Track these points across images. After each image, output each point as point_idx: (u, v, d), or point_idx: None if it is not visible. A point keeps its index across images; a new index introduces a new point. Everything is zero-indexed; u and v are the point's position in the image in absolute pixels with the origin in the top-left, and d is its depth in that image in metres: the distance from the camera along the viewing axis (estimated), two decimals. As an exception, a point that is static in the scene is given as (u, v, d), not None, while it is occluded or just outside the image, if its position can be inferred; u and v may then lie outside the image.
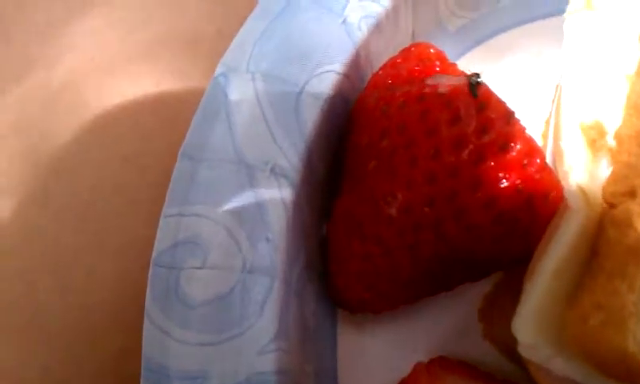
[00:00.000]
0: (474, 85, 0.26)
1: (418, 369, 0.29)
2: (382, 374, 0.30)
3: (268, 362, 0.25)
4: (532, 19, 0.38)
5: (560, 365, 0.26)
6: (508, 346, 0.28)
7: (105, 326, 0.31)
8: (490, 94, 0.26)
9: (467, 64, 0.37)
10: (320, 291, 0.30)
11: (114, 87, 0.34)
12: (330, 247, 0.30)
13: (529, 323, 0.26)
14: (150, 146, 0.33)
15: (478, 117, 0.26)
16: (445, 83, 0.27)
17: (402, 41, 0.33)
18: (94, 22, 0.36)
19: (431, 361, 0.30)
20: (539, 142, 0.34)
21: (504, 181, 0.26)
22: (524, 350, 0.26)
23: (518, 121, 0.26)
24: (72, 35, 0.36)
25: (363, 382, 0.31)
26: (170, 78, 0.33)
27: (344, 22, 0.30)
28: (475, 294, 0.32)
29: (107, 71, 0.35)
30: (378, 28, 0.31)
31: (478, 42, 0.37)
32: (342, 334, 0.31)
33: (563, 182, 0.27)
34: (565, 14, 0.32)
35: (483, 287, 0.32)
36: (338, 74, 0.29)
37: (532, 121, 0.34)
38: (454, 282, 0.30)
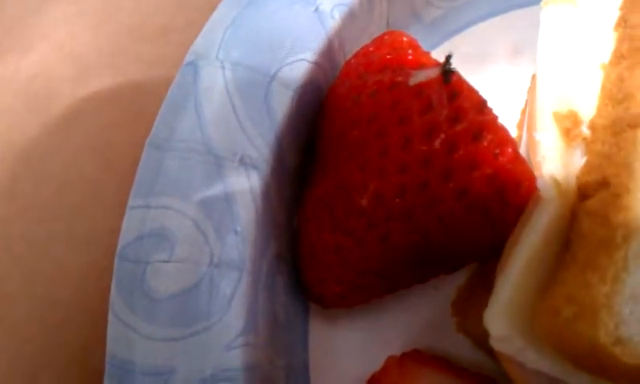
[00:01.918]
0: (446, 73, 0.25)
1: (389, 362, 0.29)
2: (355, 368, 0.30)
3: (235, 358, 0.25)
4: (507, 9, 0.37)
5: (532, 357, 0.26)
6: (482, 339, 0.28)
7: (72, 319, 0.30)
8: (462, 83, 0.26)
9: (442, 55, 0.36)
10: (291, 284, 0.30)
11: (84, 77, 0.33)
12: (300, 239, 0.29)
13: (500, 316, 0.26)
14: (119, 137, 0.32)
15: (450, 105, 0.25)
16: (417, 72, 0.26)
17: (377, 29, 0.33)
18: (65, 11, 0.35)
19: (403, 354, 0.29)
20: (514, 133, 0.34)
21: (476, 170, 0.25)
22: (496, 343, 0.26)
23: (491, 110, 0.26)
24: (43, 24, 0.35)
25: (335, 376, 0.30)
26: (140, 68, 0.33)
27: (316, 9, 0.30)
28: (449, 287, 0.32)
29: (77, 61, 0.34)
30: (351, 16, 0.31)
31: (454, 33, 0.36)
32: (314, 327, 0.31)
33: (536, 172, 0.27)
34: (541, 4, 0.32)
35: (457, 280, 0.32)
36: (310, 62, 0.29)
37: (507, 111, 0.34)
38: (427, 274, 0.29)
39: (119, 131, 0.32)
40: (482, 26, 0.38)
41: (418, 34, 0.34)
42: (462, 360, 0.30)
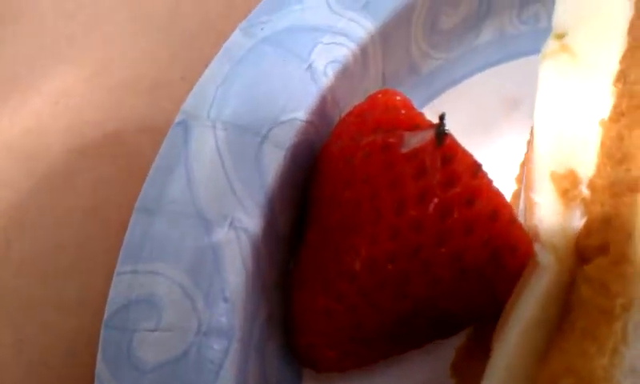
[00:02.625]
0: (439, 135, 0.25)
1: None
2: None
3: (225, 429, 0.24)
4: (505, 60, 0.37)
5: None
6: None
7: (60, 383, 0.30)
8: (456, 146, 0.25)
9: (439, 106, 0.36)
10: (283, 348, 0.29)
11: (77, 133, 0.33)
12: (293, 303, 0.29)
13: (497, 384, 0.25)
14: (114, 196, 0.32)
15: (444, 169, 0.25)
16: (411, 136, 0.26)
17: (372, 84, 0.32)
18: (58, 67, 0.35)
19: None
20: (513, 186, 0.34)
21: (470, 235, 0.25)
22: (496, 412, 0.25)
23: (485, 174, 0.25)
24: (36, 79, 0.35)
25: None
26: (133, 124, 0.32)
27: (309, 67, 0.29)
28: (448, 349, 0.31)
29: (71, 117, 0.34)
30: (344, 73, 0.30)
31: (451, 85, 0.36)
32: (308, 391, 0.30)
33: (533, 236, 0.26)
34: (539, 56, 0.32)
35: (455, 343, 0.31)
36: (303, 121, 0.28)
37: (505, 165, 0.34)
38: (422, 340, 0.29)
39: (113, 189, 0.32)
40: (479, 77, 0.37)
41: (414, 87, 0.34)
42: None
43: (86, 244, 0.31)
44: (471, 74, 0.37)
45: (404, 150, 0.24)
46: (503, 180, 0.29)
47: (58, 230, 0.31)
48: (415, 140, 0.25)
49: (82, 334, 0.29)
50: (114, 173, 0.32)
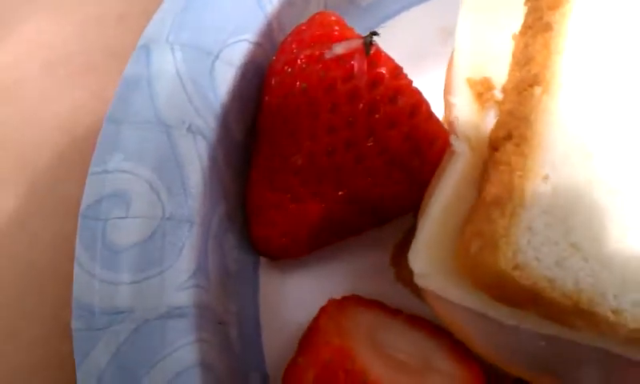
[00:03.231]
0: (367, 44, 0.29)
1: (330, 303, 0.32)
2: (302, 314, 0.33)
3: (186, 297, 0.28)
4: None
5: (453, 293, 0.29)
6: (416, 286, 0.31)
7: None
8: (380, 53, 0.29)
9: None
10: (241, 240, 0.33)
11: (54, 66, 0.36)
12: (248, 200, 0.33)
13: (421, 254, 0.29)
14: (85, 118, 0.36)
15: (370, 73, 0.29)
16: (342, 45, 0.30)
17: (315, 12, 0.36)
18: (30, 9, 0.38)
19: (344, 297, 0.32)
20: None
21: (393, 129, 0.29)
22: (419, 280, 0.29)
23: (405, 75, 0.29)
24: (10, 21, 0.39)
25: (283, 322, 0.34)
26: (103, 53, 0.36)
27: (256, -4, 0.33)
28: (388, 243, 0.35)
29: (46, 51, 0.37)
30: (288, 1, 0.34)
31: (388, 17, 0.40)
32: (264, 278, 0.34)
33: (449, 130, 0.31)
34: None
35: (394, 238, 0.35)
36: (251, 42, 0.32)
37: (438, 88, 0.38)
38: (360, 225, 0.33)
39: (86, 110, 0.35)
40: (414, 10, 0.41)
41: (354, 18, 0.38)
42: (400, 305, 0.34)
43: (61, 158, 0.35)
44: (408, 6, 0.41)
45: (328, 56, 0.28)
46: (439, 103, 0.32)
47: (36, 148, 0.35)
48: (341, 47, 0.29)
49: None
50: (88, 97, 0.35)
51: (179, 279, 0.28)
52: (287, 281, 0.34)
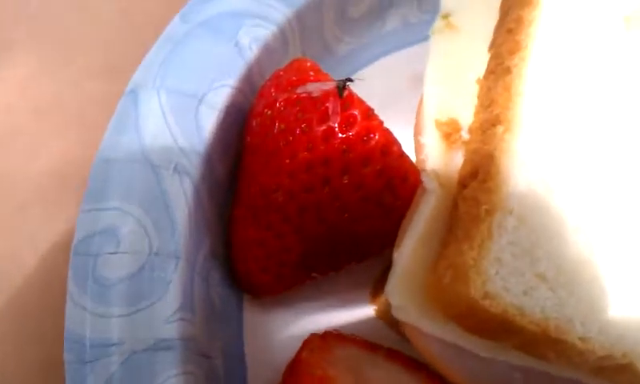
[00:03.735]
0: (340, 88, 0.31)
1: (312, 338, 0.33)
2: (285, 349, 0.34)
3: (173, 330, 0.29)
4: (408, 45, 0.44)
5: (427, 325, 0.30)
6: (395, 321, 0.32)
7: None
8: (352, 95, 0.31)
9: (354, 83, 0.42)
10: (226, 277, 0.35)
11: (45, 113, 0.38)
12: (231, 237, 0.34)
13: (397, 288, 0.30)
14: (76, 160, 0.37)
15: (343, 114, 0.31)
16: (317, 88, 0.32)
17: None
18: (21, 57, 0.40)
19: (325, 332, 0.34)
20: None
21: (367, 167, 0.31)
22: (397, 312, 0.30)
23: (377, 117, 0.31)
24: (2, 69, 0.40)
25: (268, 357, 0.35)
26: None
27: (236, 44, 0.35)
28: (367, 278, 0.37)
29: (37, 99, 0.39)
30: (267, 48, 0.36)
31: (362, 66, 0.43)
32: (248, 314, 0.36)
33: (420, 169, 0.33)
34: (430, 32, 0.38)
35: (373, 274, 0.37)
36: (232, 87, 0.34)
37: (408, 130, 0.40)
38: (339, 261, 0.35)
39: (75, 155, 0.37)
40: (388, 58, 0.44)
41: (330, 66, 0.40)
42: (379, 340, 0.35)
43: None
44: (382, 55, 0.43)
45: (300, 91, 0.30)
46: (410, 143, 0.34)
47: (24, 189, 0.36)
48: (315, 87, 0.31)
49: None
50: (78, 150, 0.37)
51: (167, 312, 0.29)
52: (271, 317, 0.36)
